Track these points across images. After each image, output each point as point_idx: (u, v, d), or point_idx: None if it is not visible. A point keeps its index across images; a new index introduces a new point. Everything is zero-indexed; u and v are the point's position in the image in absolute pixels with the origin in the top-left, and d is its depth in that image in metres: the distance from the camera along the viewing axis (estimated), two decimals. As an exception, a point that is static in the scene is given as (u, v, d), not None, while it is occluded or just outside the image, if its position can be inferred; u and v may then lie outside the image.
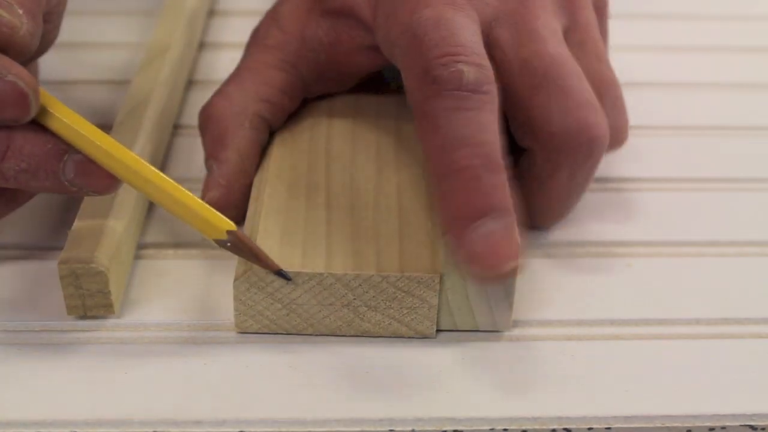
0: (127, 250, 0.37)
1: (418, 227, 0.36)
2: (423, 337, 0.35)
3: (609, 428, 0.32)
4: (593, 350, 0.35)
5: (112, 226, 0.36)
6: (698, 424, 0.32)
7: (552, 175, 0.37)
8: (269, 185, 0.38)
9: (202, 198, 0.38)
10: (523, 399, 0.32)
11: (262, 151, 0.40)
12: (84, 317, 0.35)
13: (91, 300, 0.34)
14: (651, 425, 0.32)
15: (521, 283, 0.37)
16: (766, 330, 0.36)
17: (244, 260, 0.34)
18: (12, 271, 0.37)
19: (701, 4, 0.61)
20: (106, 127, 0.42)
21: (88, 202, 0.37)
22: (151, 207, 0.41)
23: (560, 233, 0.40)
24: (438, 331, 0.35)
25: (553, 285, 0.38)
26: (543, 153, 0.37)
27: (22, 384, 0.33)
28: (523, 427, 0.32)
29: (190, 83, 0.51)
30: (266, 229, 0.35)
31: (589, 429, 0.32)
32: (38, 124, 0.33)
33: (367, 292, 0.34)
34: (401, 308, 0.34)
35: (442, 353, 0.34)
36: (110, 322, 0.35)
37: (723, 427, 0.32)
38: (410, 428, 0.31)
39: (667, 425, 0.32)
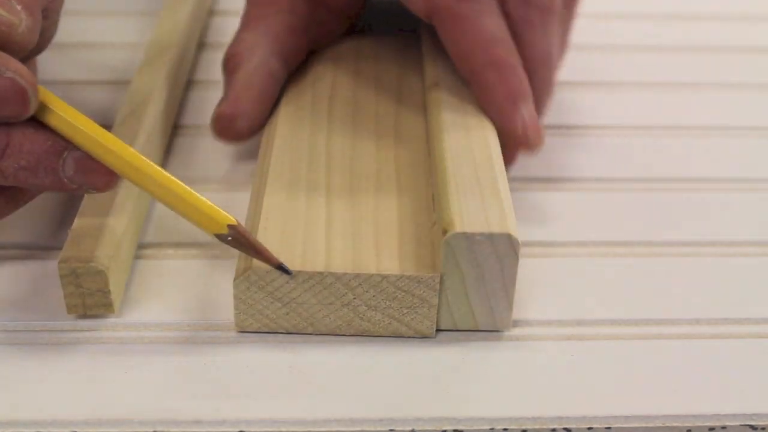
0: (127, 249, 0.37)
1: (418, 227, 0.36)
2: (423, 336, 0.35)
3: (609, 428, 0.32)
4: (593, 350, 0.35)
5: (112, 225, 0.36)
6: (698, 424, 0.32)
7: (528, 37, 0.41)
8: (269, 184, 0.38)
9: (214, 113, 0.42)
10: (523, 399, 0.32)
11: (279, 76, 0.43)
12: (84, 316, 0.35)
13: (91, 299, 0.34)
14: (651, 425, 0.32)
15: (521, 283, 0.37)
16: (766, 330, 0.36)
17: (245, 259, 0.34)
18: (12, 271, 0.37)
19: (702, 4, 0.61)
20: (106, 127, 0.42)
21: (88, 202, 0.37)
22: (151, 206, 0.41)
23: (560, 233, 0.40)
24: (438, 330, 0.35)
25: (553, 285, 0.38)
26: (517, 11, 0.41)
27: (22, 384, 0.33)
28: (523, 427, 0.32)
29: (190, 83, 0.51)
30: (266, 228, 0.35)
31: (589, 429, 0.32)
32: (37, 121, 0.32)
33: (367, 292, 0.34)
34: (401, 308, 0.34)
35: (442, 353, 0.34)
36: (110, 321, 0.35)
37: (723, 427, 0.32)
38: (410, 428, 0.31)
39: (667, 425, 0.32)
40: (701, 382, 0.33)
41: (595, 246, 0.40)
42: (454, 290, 0.34)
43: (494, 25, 0.40)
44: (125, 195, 0.37)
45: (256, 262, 0.33)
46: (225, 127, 0.41)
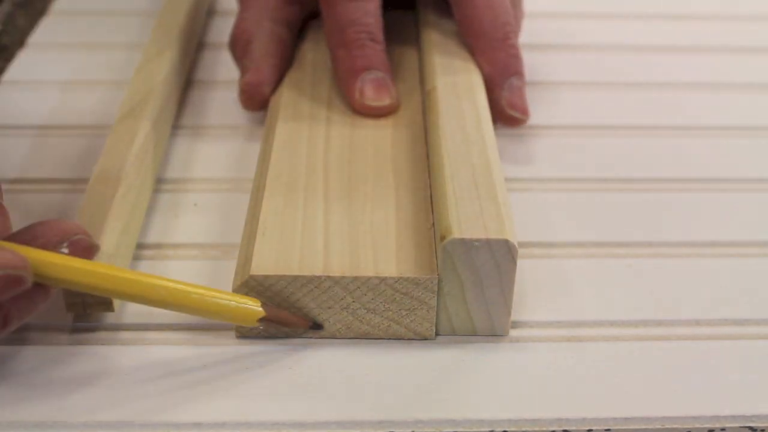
0: (127, 250, 0.37)
1: (416, 229, 0.36)
2: (422, 338, 0.35)
3: (608, 430, 0.32)
4: (593, 351, 0.35)
5: (111, 226, 0.35)
6: (698, 425, 0.32)
7: (470, 12, 0.45)
8: (268, 188, 0.38)
9: (239, 84, 0.45)
10: (522, 401, 0.32)
11: (289, 41, 0.47)
12: (84, 315, 0.35)
13: (91, 297, 0.34)
14: (650, 426, 0.32)
15: (520, 284, 0.37)
16: (766, 330, 0.36)
17: (242, 264, 0.34)
18: (12, 271, 0.37)
19: (703, 4, 0.61)
20: (105, 127, 0.43)
21: (88, 202, 0.37)
22: (151, 207, 0.41)
23: (560, 233, 0.40)
24: (437, 335, 0.35)
25: (552, 285, 0.38)
26: None
27: (22, 385, 0.33)
28: (523, 429, 0.32)
29: (189, 83, 0.51)
30: (264, 233, 0.35)
31: (589, 431, 0.32)
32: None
33: (365, 295, 0.34)
34: (400, 310, 0.34)
35: (441, 355, 0.34)
36: (110, 322, 0.35)
37: (723, 429, 0.32)
38: (410, 430, 0.31)
39: (667, 426, 0.32)
40: (701, 384, 0.33)
41: (595, 246, 0.40)
42: (453, 296, 0.34)
43: (355, 9, 0.44)
44: (125, 196, 0.37)
45: (254, 268, 0.33)
46: (252, 96, 0.45)
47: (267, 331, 0.34)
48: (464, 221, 0.33)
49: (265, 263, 0.34)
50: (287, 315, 0.34)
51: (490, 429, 0.32)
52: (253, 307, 0.33)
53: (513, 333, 0.35)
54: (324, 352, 0.34)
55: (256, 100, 0.45)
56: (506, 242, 0.33)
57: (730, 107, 0.50)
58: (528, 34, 0.51)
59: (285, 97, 0.44)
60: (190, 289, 0.32)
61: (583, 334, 0.35)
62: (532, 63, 0.50)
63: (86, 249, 0.32)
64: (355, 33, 0.44)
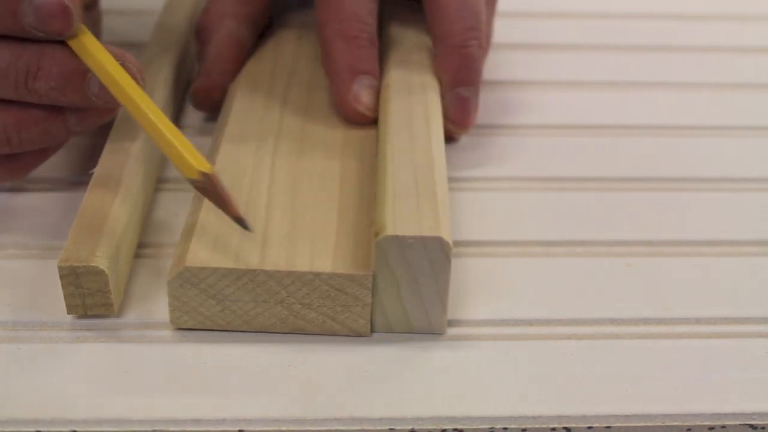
0: (127, 250, 0.37)
1: (356, 226, 0.36)
2: (358, 335, 0.35)
3: (609, 427, 0.32)
4: (593, 350, 0.35)
5: (112, 225, 0.35)
6: (698, 423, 0.32)
7: (440, 13, 0.44)
8: None
9: (191, 88, 0.45)
10: (522, 398, 0.32)
11: (247, 42, 0.46)
12: (84, 317, 0.35)
13: (91, 299, 0.34)
14: (650, 424, 0.32)
15: (520, 282, 0.37)
16: (766, 330, 0.36)
17: (179, 256, 0.34)
18: (12, 271, 0.37)
19: (701, 4, 0.61)
20: (107, 127, 0.43)
21: (89, 202, 0.37)
22: (151, 206, 0.41)
23: (560, 233, 0.40)
24: (374, 332, 0.35)
25: (552, 284, 0.38)
26: None
27: (22, 383, 0.33)
28: (523, 426, 0.32)
29: (190, 83, 0.51)
30: (203, 227, 0.35)
31: (589, 428, 0.32)
32: (64, 46, 0.35)
33: (300, 290, 0.34)
34: (335, 306, 0.34)
35: (441, 354, 0.34)
36: (110, 321, 0.35)
37: (723, 427, 0.32)
38: (410, 427, 0.31)
39: (667, 424, 0.32)
40: (701, 382, 0.33)
41: (595, 246, 0.40)
42: (388, 293, 0.34)
43: (361, 4, 0.43)
44: (125, 195, 0.37)
45: (190, 260, 0.33)
46: (202, 101, 0.45)
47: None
48: (399, 218, 0.33)
49: (201, 255, 0.34)
50: (226, 194, 0.34)
51: (491, 426, 0.31)
52: (202, 162, 0.34)
53: (513, 332, 0.35)
54: (324, 349, 0.34)
55: (206, 105, 0.45)
56: (440, 240, 0.33)
57: (730, 107, 0.50)
58: (520, 34, 0.51)
59: (240, 92, 0.44)
60: (162, 126, 0.35)
61: (583, 332, 0.35)
62: (521, 63, 0.50)
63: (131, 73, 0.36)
64: (358, 29, 0.43)
